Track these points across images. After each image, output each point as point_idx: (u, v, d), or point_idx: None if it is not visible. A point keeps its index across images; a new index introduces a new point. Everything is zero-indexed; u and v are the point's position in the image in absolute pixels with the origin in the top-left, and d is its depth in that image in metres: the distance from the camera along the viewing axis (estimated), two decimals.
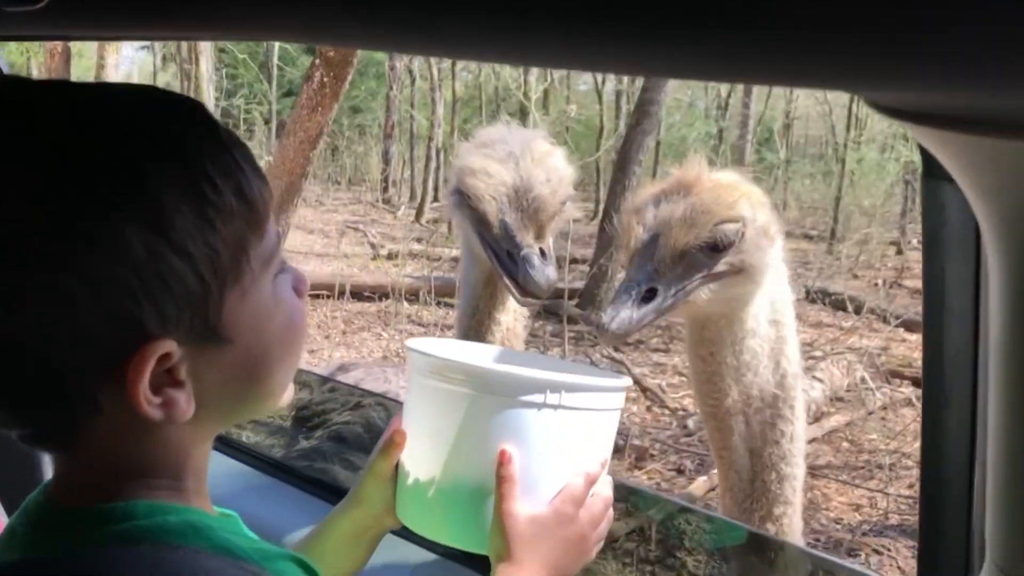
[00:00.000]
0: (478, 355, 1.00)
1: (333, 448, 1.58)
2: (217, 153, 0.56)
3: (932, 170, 0.58)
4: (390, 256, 8.72)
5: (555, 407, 0.79)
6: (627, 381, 0.88)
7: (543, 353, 5.74)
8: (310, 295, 7.23)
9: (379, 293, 7.30)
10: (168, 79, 15.51)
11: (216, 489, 1.30)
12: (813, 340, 6.16)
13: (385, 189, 13.75)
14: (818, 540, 3.68)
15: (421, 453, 0.84)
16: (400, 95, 13.61)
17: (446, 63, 11.43)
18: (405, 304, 7.05)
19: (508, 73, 10.93)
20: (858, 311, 6.73)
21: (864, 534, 3.78)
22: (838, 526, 3.86)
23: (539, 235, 1.20)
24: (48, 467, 0.85)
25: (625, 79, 10.92)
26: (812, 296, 7.23)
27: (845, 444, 4.73)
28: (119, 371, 0.53)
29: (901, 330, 6.37)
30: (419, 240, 9.22)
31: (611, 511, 0.85)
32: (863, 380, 5.25)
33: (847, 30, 0.31)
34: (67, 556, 0.54)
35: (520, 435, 0.79)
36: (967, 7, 0.28)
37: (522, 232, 1.17)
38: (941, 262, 0.61)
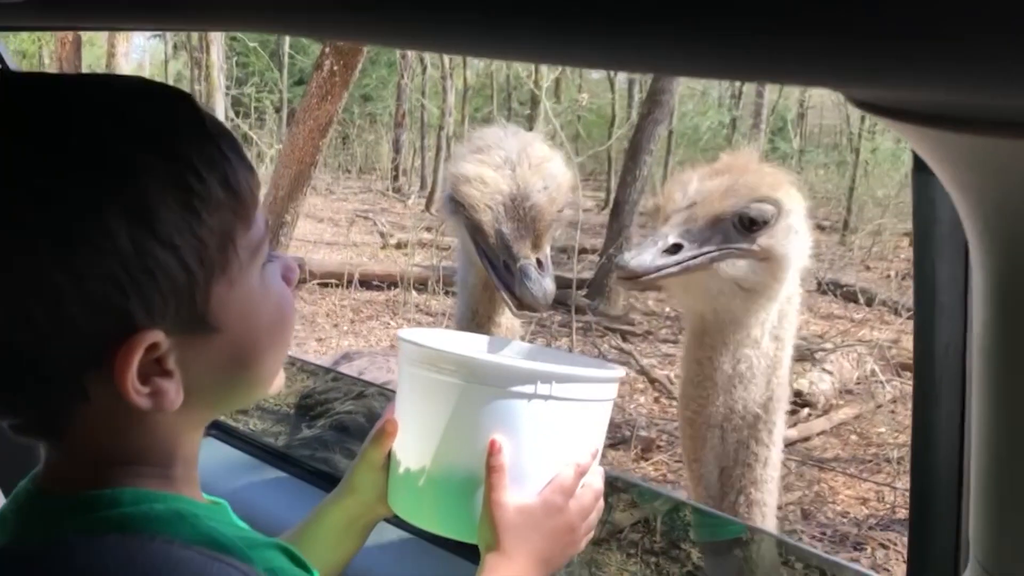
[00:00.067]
0: (471, 345, 1.00)
1: (335, 437, 1.59)
2: (203, 144, 0.56)
3: (922, 165, 0.57)
4: (399, 245, 8.73)
5: (545, 398, 0.79)
6: (620, 372, 0.88)
7: (550, 344, 5.75)
8: (319, 284, 7.29)
9: (388, 282, 7.32)
10: (179, 67, 15.57)
11: (217, 477, 1.31)
12: (824, 332, 6.14)
13: (395, 178, 13.77)
14: (824, 533, 3.67)
15: (412, 443, 0.85)
16: (411, 84, 13.59)
17: None
18: (414, 293, 7.07)
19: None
20: (869, 303, 6.70)
21: (871, 528, 3.77)
22: (844, 519, 3.85)
23: (536, 245, 1.15)
24: None
25: None
26: (823, 287, 7.19)
27: (853, 437, 4.72)
28: (107, 361, 0.53)
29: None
30: (428, 229, 9.22)
31: (601, 502, 0.85)
32: (873, 373, 5.23)
33: (828, 29, 0.31)
34: (50, 543, 0.54)
35: (510, 425, 0.80)
36: (945, 7, 0.27)
37: (519, 243, 1.13)
38: (932, 257, 0.60)
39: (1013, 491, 0.50)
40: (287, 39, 13.31)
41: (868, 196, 10.45)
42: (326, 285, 7.21)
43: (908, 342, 6.10)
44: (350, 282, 7.09)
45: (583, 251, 7.47)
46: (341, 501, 0.88)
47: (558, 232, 1.25)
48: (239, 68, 14.10)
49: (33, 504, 0.58)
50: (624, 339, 6.14)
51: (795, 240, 1.25)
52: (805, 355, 5.35)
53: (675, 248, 1.20)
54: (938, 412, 0.66)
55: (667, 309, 6.74)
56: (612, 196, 8.82)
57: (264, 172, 8.40)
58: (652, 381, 5.23)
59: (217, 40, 9.30)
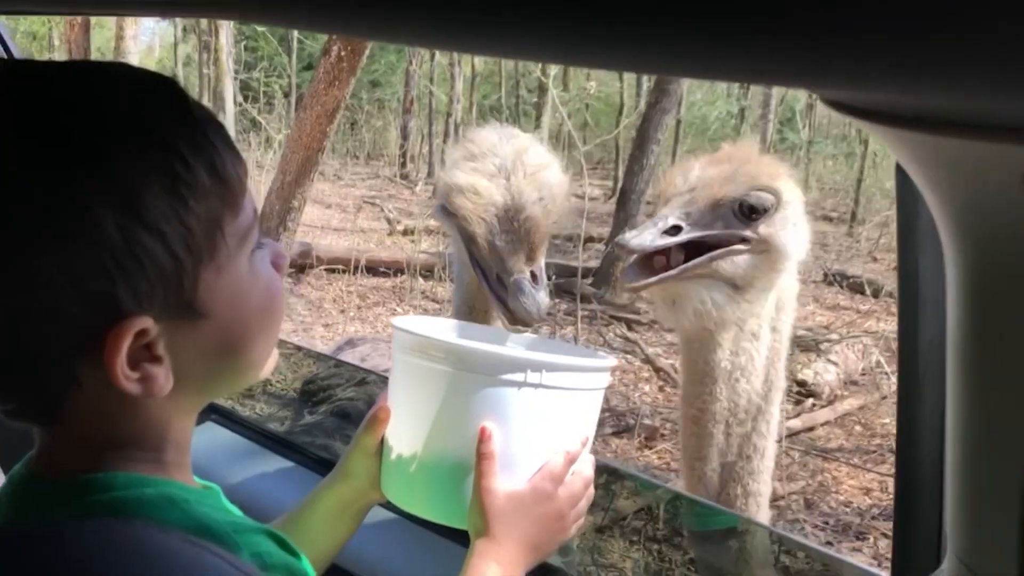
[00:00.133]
0: (465, 334, 1.01)
1: (336, 424, 1.60)
2: (189, 131, 0.56)
3: None
4: (406, 232, 8.73)
5: (535, 386, 0.80)
6: (611, 362, 0.88)
7: (554, 332, 5.75)
8: (326, 269, 7.28)
9: (394, 268, 7.34)
10: (188, 51, 15.54)
11: (216, 462, 1.33)
12: (830, 323, 6.12)
13: (403, 164, 13.75)
14: (827, 523, 3.68)
15: (404, 429, 0.86)
16: (419, 70, 13.55)
17: None
18: (420, 280, 7.09)
19: None
20: (876, 295, 6.67)
21: (874, 518, 3.77)
22: (847, 509, 3.85)
23: (531, 257, 1.12)
24: None
25: None
26: (830, 279, 7.17)
27: (858, 428, 4.71)
28: (97, 347, 0.54)
29: None
30: None
31: (591, 490, 0.86)
32: (878, 364, 5.22)
33: (800, 30, 0.31)
34: (41, 526, 0.55)
35: (500, 413, 0.80)
36: (912, 12, 0.28)
37: (512, 257, 1.10)
38: (915, 253, 0.61)
39: (988, 485, 0.50)
40: None
41: (876, 188, 10.38)
42: (333, 271, 7.22)
43: None
44: (357, 268, 7.10)
45: (589, 239, 7.46)
46: (335, 486, 0.89)
47: (565, 221, 1.23)
48: (248, 52, 14.06)
49: (27, 487, 0.59)
50: (629, 328, 6.14)
51: (793, 231, 1.26)
52: (810, 346, 5.34)
53: (675, 229, 1.21)
54: (922, 408, 0.66)
55: None
56: (619, 185, 8.79)
57: (272, 157, 8.41)
58: (657, 370, 5.23)
59: (226, 24, 9.28)
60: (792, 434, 4.40)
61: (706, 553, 1.29)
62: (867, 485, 4.07)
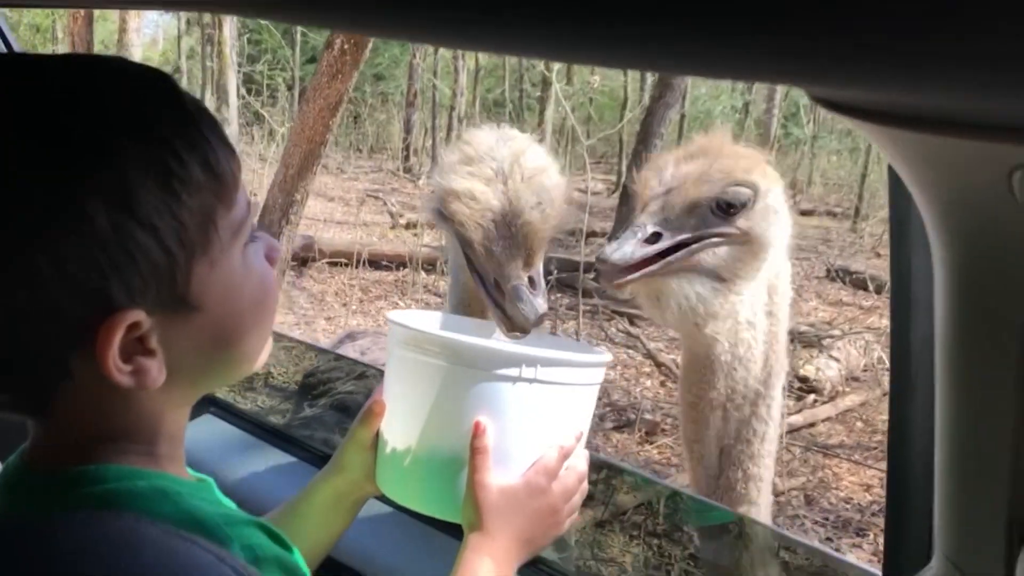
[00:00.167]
0: (461, 328, 1.01)
1: (335, 417, 1.61)
2: (183, 126, 0.56)
3: None
4: (409, 225, 8.73)
5: (530, 381, 0.80)
6: (605, 357, 0.89)
7: (556, 327, 5.75)
8: (328, 263, 7.28)
9: (397, 262, 7.34)
10: (192, 44, 15.53)
11: (214, 454, 1.33)
12: (832, 319, 6.12)
13: (406, 158, 13.73)
14: (827, 519, 3.69)
15: (399, 423, 0.86)
16: (423, 63, 13.52)
17: None
18: (422, 274, 7.09)
19: None
20: (879, 291, 6.66)
21: (874, 514, 3.77)
22: (848, 505, 3.86)
23: (528, 263, 1.10)
24: None
25: None
26: (833, 274, 7.16)
27: (859, 424, 4.71)
28: (89, 341, 0.54)
29: None
30: None
31: (585, 485, 0.86)
32: (880, 360, 5.21)
33: (800, 32, 0.31)
34: (33, 517, 0.56)
35: (495, 408, 0.81)
36: (912, 12, 0.28)
37: (510, 263, 1.08)
38: (908, 253, 0.60)
39: (975, 484, 0.51)
40: None
41: (880, 183, 10.33)
42: (335, 264, 7.23)
43: None
44: (359, 262, 7.11)
45: (592, 234, 7.45)
46: (330, 479, 0.89)
47: (564, 224, 1.21)
48: (251, 45, 14.06)
49: (20, 479, 0.59)
50: (631, 323, 6.14)
51: (774, 220, 1.25)
52: (812, 342, 5.34)
53: (655, 237, 1.20)
54: (914, 406, 0.66)
55: None
56: (622, 179, 8.78)
57: (275, 150, 8.41)
58: (658, 365, 5.24)
59: (230, 18, 9.27)
60: (793, 430, 4.41)
61: (706, 548, 1.29)
62: (867, 481, 4.07)
